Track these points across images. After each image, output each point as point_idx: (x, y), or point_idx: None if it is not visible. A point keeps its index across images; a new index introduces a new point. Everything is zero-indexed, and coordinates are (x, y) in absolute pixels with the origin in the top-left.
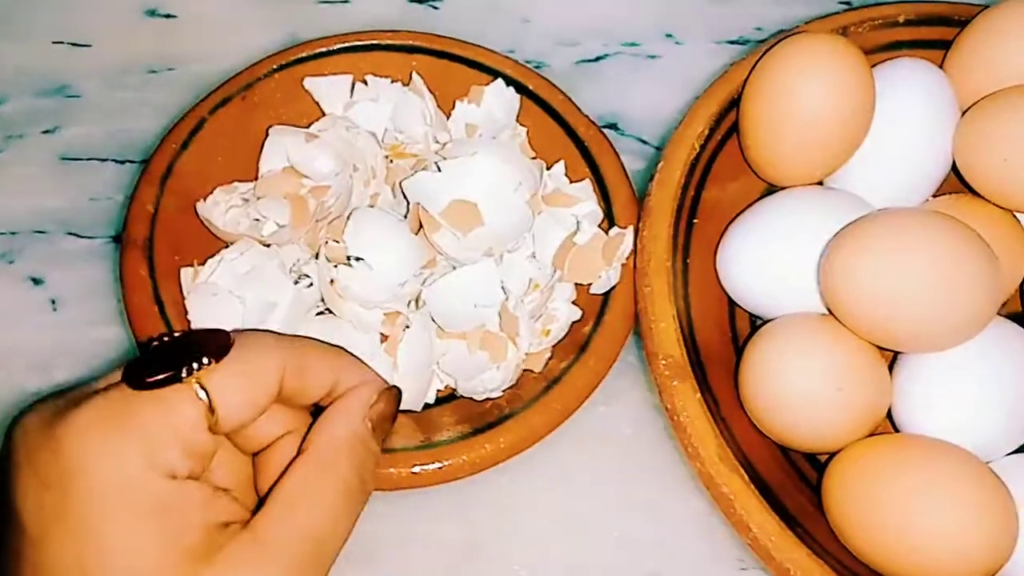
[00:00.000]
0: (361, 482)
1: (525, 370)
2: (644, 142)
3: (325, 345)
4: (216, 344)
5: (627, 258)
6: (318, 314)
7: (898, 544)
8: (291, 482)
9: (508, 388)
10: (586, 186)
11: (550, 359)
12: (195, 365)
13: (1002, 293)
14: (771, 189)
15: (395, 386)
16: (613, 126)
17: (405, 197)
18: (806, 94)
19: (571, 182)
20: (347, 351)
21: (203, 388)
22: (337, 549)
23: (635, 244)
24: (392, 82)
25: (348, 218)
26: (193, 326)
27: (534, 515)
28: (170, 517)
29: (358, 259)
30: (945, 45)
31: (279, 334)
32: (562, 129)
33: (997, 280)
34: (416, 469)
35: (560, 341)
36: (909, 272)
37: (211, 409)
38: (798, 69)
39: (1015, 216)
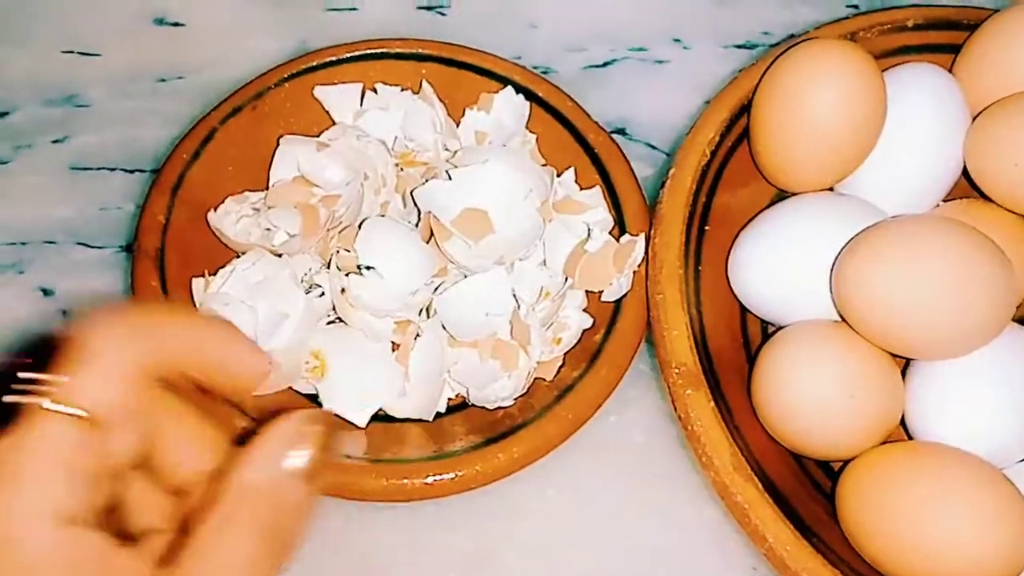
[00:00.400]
0: (270, 540)
1: (537, 379)
2: (653, 147)
3: (193, 318)
4: (53, 355)
5: (638, 265)
6: (329, 323)
7: (913, 552)
8: (195, 539)
9: (520, 397)
10: (596, 193)
11: (562, 367)
12: (38, 386)
13: (1016, 298)
14: (782, 195)
15: (326, 410)
16: (621, 131)
17: (416, 205)
18: (817, 100)
19: (581, 189)
20: (225, 322)
21: (59, 403)
22: None
23: (647, 251)
24: (402, 90)
25: (359, 227)
26: None
27: (546, 524)
28: None
29: (369, 268)
30: (954, 49)
31: (134, 319)
32: (572, 136)
33: (1011, 286)
34: (430, 480)
35: (571, 349)
36: (923, 279)
37: (87, 421)
38: (809, 75)
39: None
